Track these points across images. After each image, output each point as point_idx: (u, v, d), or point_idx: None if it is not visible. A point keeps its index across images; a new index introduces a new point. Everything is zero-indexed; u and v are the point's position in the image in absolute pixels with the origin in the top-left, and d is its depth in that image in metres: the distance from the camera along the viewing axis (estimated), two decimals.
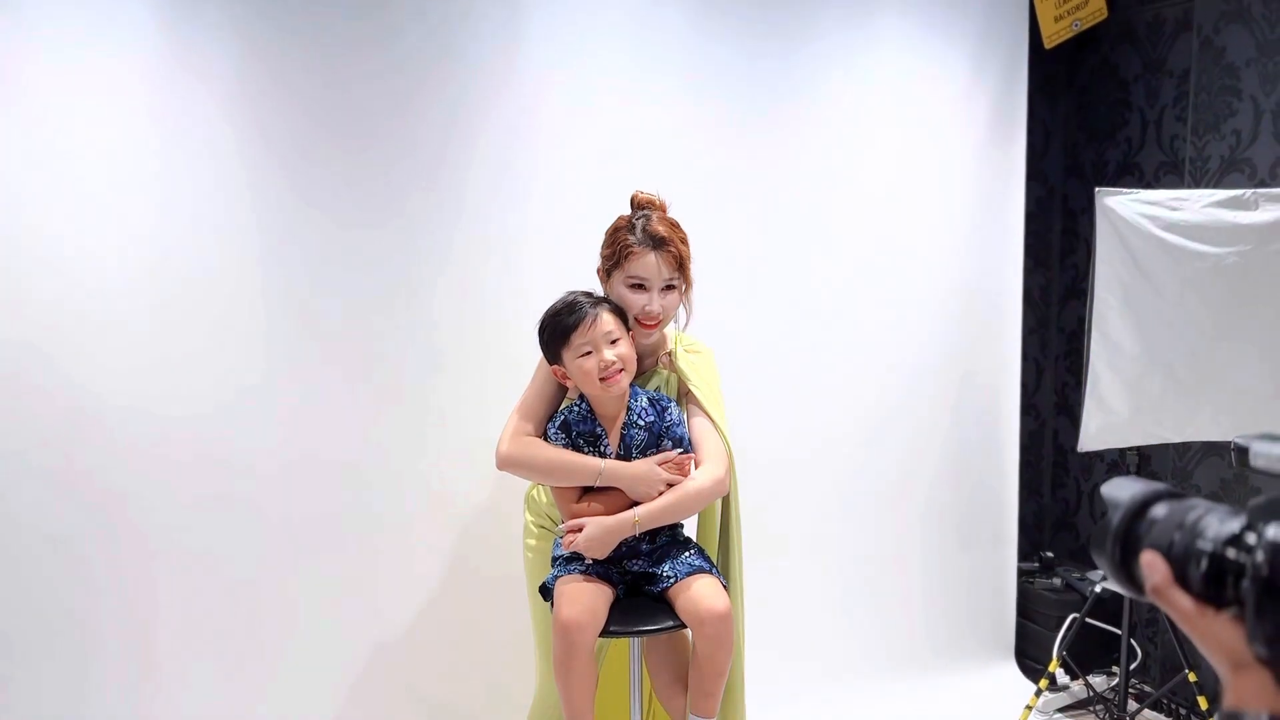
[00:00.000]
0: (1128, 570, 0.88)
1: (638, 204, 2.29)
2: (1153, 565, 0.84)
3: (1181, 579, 0.83)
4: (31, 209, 2.49)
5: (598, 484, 2.19)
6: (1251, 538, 0.78)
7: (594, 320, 2.16)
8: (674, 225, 2.26)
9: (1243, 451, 0.87)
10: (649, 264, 2.19)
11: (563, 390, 2.30)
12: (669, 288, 2.23)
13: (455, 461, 2.84)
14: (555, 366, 2.23)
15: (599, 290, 2.30)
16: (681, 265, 2.24)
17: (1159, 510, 0.86)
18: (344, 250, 2.74)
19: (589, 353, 2.15)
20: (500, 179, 2.84)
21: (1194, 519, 0.83)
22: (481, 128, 2.81)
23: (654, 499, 2.18)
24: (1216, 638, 0.81)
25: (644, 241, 2.20)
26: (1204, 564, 0.81)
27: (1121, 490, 0.89)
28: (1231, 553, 0.79)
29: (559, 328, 2.18)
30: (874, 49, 3.25)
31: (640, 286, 2.21)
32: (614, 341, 2.17)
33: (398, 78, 2.73)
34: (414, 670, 2.90)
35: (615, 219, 2.29)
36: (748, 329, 3.16)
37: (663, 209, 2.29)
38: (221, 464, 2.69)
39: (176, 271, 2.62)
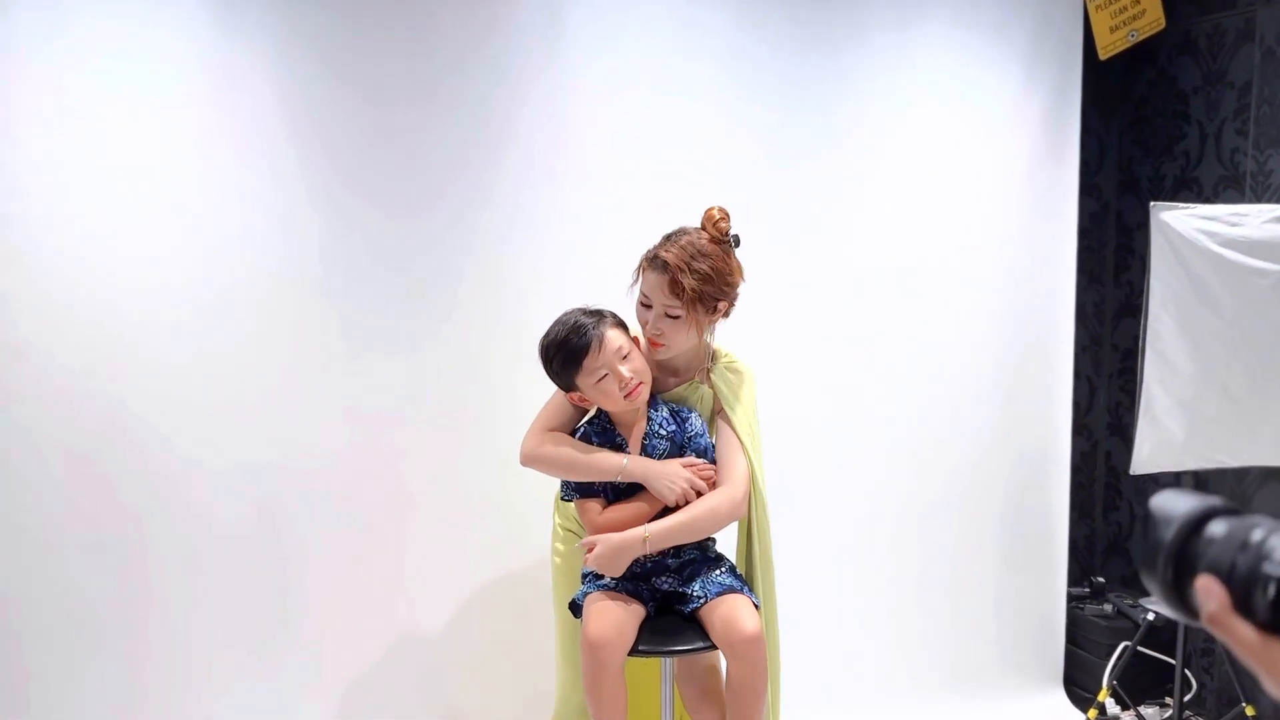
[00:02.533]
0: (1180, 594, 0.80)
1: (703, 220, 2.18)
2: (1209, 591, 0.76)
3: (1243, 606, 0.75)
4: (72, 220, 2.53)
5: (621, 479, 2.15)
6: None
7: (601, 341, 2.09)
8: (695, 256, 2.09)
9: None
10: (651, 284, 2.12)
11: (581, 411, 2.26)
12: (670, 315, 2.12)
13: (487, 464, 2.82)
14: (571, 394, 2.18)
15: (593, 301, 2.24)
16: (680, 294, 2.08)
17: (1217, 528, 0.78)
18: (382, 248, 2.76)
19: (605, 375, 2.10)
20: (537, 173, 2.83)
21: (1259, 539, 0.75)
22: (519, 123, 2.80)
23: (675, 498, 2.13)
24: None
25: (651, 261, 2.13)
26: (1272, 590, 0.73)
27: (1174, 505, 0.81)
28: None
29: (568, 355, 2.10)
30: (922, 58, 3.18)
31: (646, 305, 2.16)
32: (625, 357, 2.12)
33: (437, 77, 2.73)
34: (440, 676, 2.90)
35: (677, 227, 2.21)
36: (787, 342, 3.11)
37: (712, 232, 2.14)
38: (254, 468, 2.72)
39: (213, 277, 2.65)
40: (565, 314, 2.17)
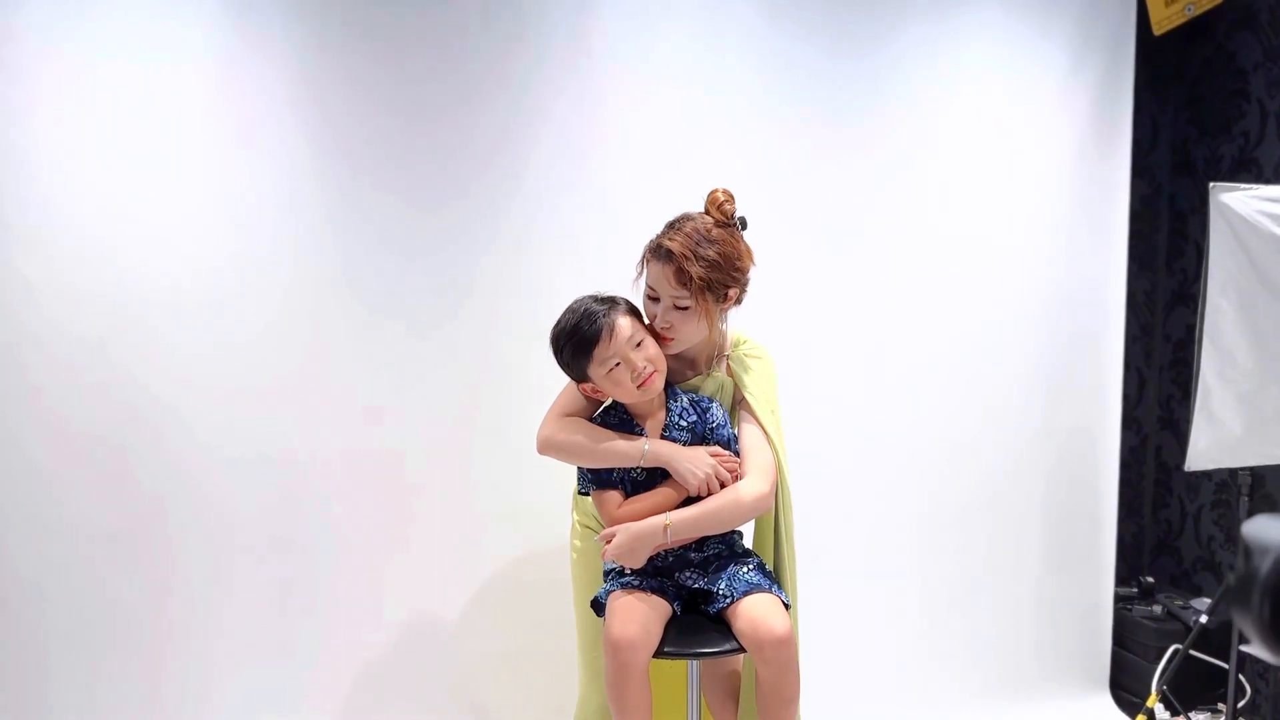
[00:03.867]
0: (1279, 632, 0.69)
1: (706, 204, 2.09)
2: None
3: None
4: (92, 206, 2.52)
5: (643, 464, 2.05)
6: None
7: (612, 329, 1.99)
8: (700, 242, 1.99)
9: None
10: (656, 276, 2.02)
11: (595, 403, 2.16)
12: (679, 306, 2.02)
13: (503, 455, 2.77)
14: (584, 385, 2.09)
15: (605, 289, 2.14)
16: (687, 284, 1.98)
17: None
18: (402, 241, 2.71)
19: (618, 364, 2.00)
20: (564, 168, 2.77)
21: None
22: (547, 116, 2.75)
23: (698, 485, 2.02)
24: None
25: (655, 251, 2.03)
26: None
27: (1273, 533, 0.70)
28: None
29: (579, 343, 2.01)
30: (962, 43, 3.08)
31: (652, 298, 2.06)
32: (638, 345, 2.01)
33: (464, 66, 2.69)
34: (459, 671, 2.85)
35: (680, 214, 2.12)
36: (824, 334, 3.02)
37: (717, 215, 2.05)
38: (274, 459, 2.69)
39: (234, 270, 2.63)
40: (576, 301, 2.07)
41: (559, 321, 2.05)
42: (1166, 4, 3.15)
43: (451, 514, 2.80)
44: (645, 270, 2.06)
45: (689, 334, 2.06)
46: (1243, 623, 0.70)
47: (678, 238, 1.99)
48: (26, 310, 2.51)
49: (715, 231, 2.01)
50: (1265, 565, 0.68)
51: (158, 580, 2.65)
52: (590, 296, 2.07)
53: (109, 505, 2.59)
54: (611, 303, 2.05)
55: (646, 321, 2.11)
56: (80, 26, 2.47)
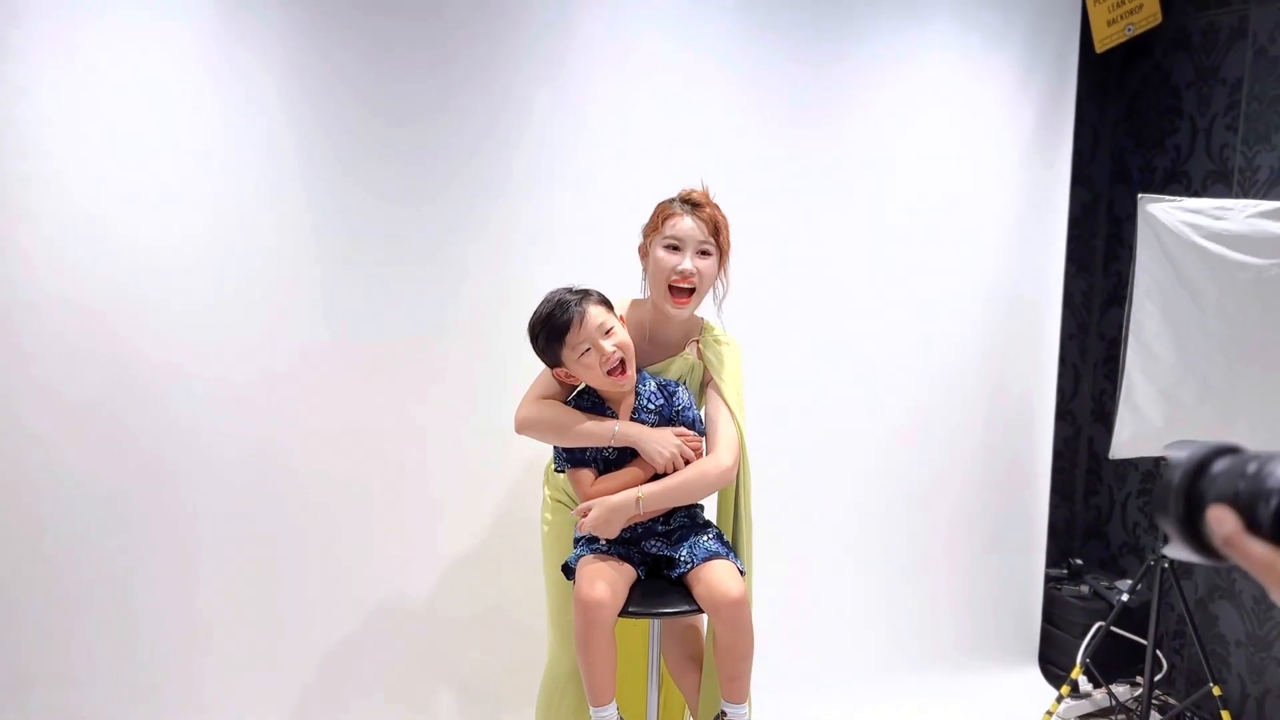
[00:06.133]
0: (1193, 528, 0.88)
1: (681, 197, 2.31)
2: (1221, 518, 0.83)
3: (1251, 525, 0.83)
4: (88, 181, 2.58)
5: (613, 444, 2.23)
6: None
7: (583, 317, 2.16)
8: (712, 200, 2.31)
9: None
10: (685, 225, 2.24)
11: (568, 388, 2.34)
12: (704, 253, 2.26)
13: (485, 438, 2.89)
14: (557, 370, 2.26)
15: (585, 284, 2.30)
16: (717, 231, 2.27)
17: (1219, 465, 0.86)
18: (388, 229, 2.80)
19: (588, 349, 2.17)
20: (545, 164, 2.88)
21: (1256, 467, 0.82)
22: (528, 113, 2.85)
23: (664, 463, 2.21)
24: None
25: (681, 205, 2.27)
26: (1275, 501, 0.80)
27: (1181, 450, 0.90)
28: None
29: (552, 330, 2.18)
30: (923, 51, 3.24)
31: (675, 248, 2.24)
32: (608, 332, 2.18)
33: (447, 61, 2.77)
34: (429, 641, 2.98)
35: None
36: (784, 325, 3.18)
37: (705, 197, 2.32)
38: (261, 431, 2.78)
39: (229, 244, 2.70)
40: (551, 292, 2.24)
41: (536, 311, 2.23)
42: (1108, 24, 3.37)
43: (434, 495, 2.92)
44: (663, 226, 2.26)
45: (708, 283, 2.29)
46: (1163, 524, 0.90)
47: (698, 194, 2.28)
48: (22, 279, 2.55)
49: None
50: (1177, 476, 0.88)
51: (148, 543, 2.72)
52: (565, 288, 2.24)
53: (101, 468, 2.66)
54: (584, 294, 2.22)
55: (621, 309, 2.29)
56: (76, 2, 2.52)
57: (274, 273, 2.74)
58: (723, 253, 2.30)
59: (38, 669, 2.70)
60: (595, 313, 2.18)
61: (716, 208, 2.29)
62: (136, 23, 2.55)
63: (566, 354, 2.19)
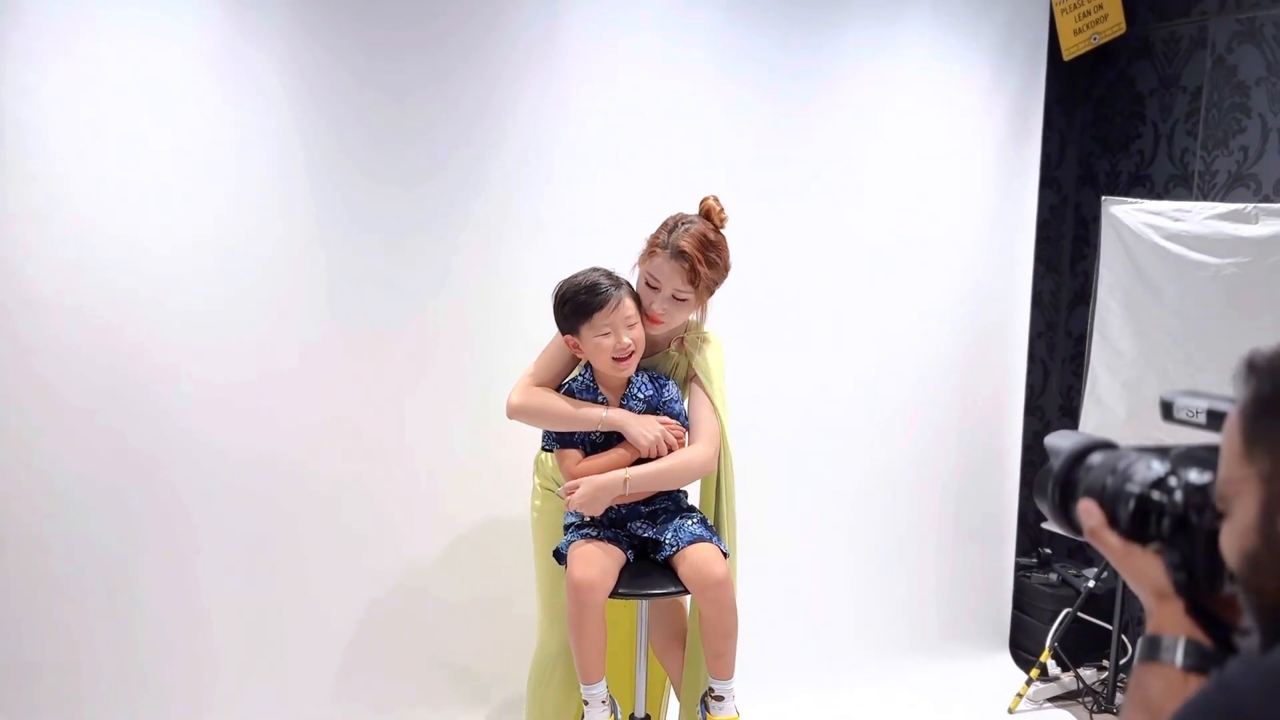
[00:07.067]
0: (1066, 513, 0.99)
1: (701, 210, 2.38)
2: (1089, 511, 0.96)
3: (1112, 520, 0.94)
4: (94, 182, 2.64)
5: (601, 428, 2.35)
6: (1174, 481, 0.90)
7: (618, 304, 2.28)
8: (707, 245, 2.30)
9: (1168, 406, 1.00)
10: (664, 270, 2.30)
11: (574, 361, 2.44)
12: (679, 298, 2.32)
13: (476, 428, 2.97)
14: (569, 337, 2.36)
15: (618, 270, 2.40)
16: (695, 282, 2.29)
17: (1095, 458, 0.97)
18: (380, 220, 2.86)
19: (608, 333, 2.28)
20: (532, 155, 2.96)
21: (1124, 465, 0.94)
22: (516, 104, 2.92)
23: (648, 446, 2.32)
24: (1142, 572, 0.92)
25: (667, 248, 2.30)
26: (1131, 505, 0.92)
27: (1063, 440, 1.01)
28: (1155, 494, 0.90)
29: (582, 305, 2.29)
30: (899, 51, 3.33)
31: (653, 287, 2.34)
32: (631, 325, 2.30)
33: (440, 51, 2.85)
34: (425, 625, 3.05)
35: (675, 214, 2.39)
36: (761, 320, 3.26)
37: (715, 221, 2.36)
38: (256, 426, 2.84)
39: (229, 244, 2.76)
40: (592, 269, 2.35)
41: (571, 279, 2.33)
42: (1075, 33, 3.50)
43: (427, 485, 3.00)
44: (648, 261, 2.33)
45: (677, 319, 2.38)
46: (1041, 505, 1.01)
47: (688, 240, 2.28)
48: (24, 277, 2.60)
49: (715, 236, 2.34)
50: (1056, 464, 0.99)
51: (148, 539, 2.78)
52: (603, 271, 2.35)
53: (101, 465, 2.71)
54: (621, 283, 2.34)
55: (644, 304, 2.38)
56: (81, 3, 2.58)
57: (276, 272, 2.81)
58: (699, 301, 2.38)
59: (41, 660, 2.74)
60: (628, 304, 2.31)
61: (702, 256, 2.27)
62: (138, 22, 2.61)
63: (586, 329, 2.30)
